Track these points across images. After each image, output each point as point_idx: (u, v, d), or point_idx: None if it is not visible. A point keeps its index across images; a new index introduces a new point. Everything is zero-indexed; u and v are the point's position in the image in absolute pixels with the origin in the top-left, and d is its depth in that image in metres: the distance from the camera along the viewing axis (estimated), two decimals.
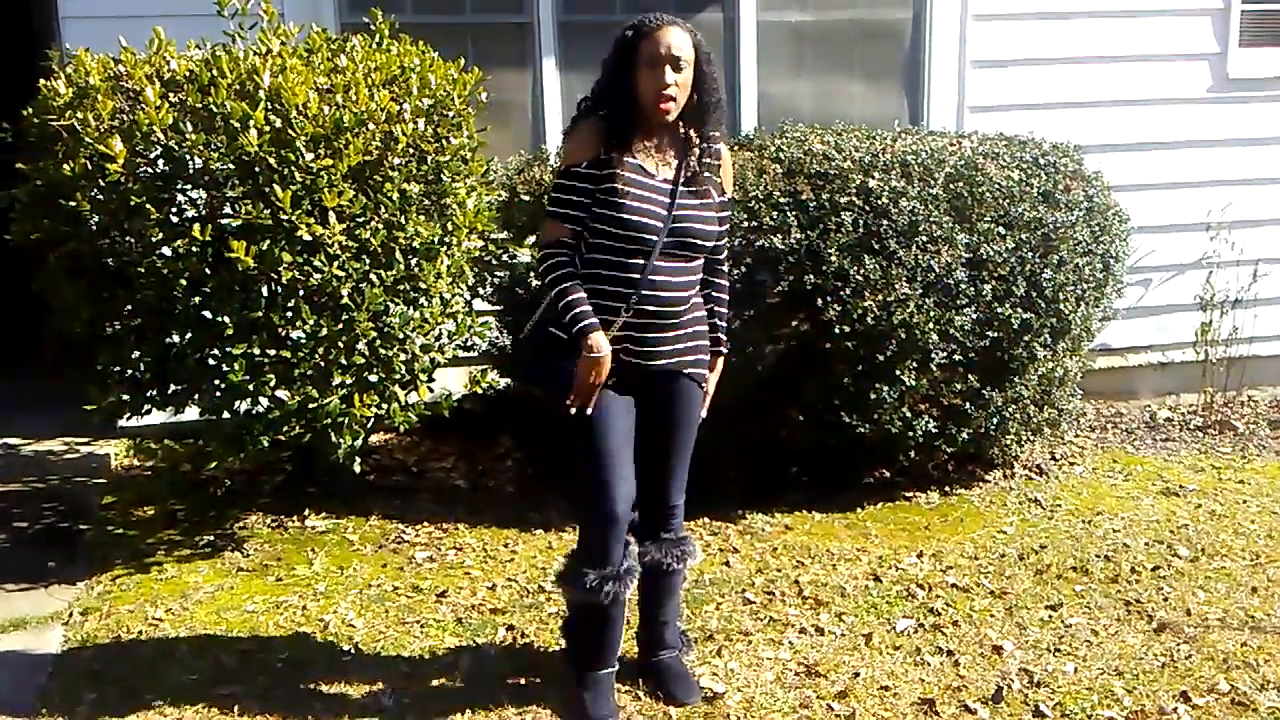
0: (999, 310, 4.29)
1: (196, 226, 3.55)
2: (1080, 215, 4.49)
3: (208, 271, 3.63)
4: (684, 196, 2.92)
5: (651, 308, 2.92)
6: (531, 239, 4.17)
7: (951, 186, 4.30)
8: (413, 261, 3.82)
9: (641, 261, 2.87)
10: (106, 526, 4.28)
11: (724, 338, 3.19)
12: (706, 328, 3.10)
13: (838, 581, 3.85)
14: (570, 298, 2.86)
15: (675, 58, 2.84)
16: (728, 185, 3.11)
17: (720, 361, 3.19)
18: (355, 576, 3.88)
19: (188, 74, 3.70)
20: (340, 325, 3.68)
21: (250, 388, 3.65)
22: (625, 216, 2.85)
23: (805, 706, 3.12)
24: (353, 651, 3.39)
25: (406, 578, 3.87)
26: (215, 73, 3.62)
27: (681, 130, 2.97)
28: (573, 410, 2.88)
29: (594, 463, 2.92)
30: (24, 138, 3.84)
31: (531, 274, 4.26)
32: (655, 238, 2.87)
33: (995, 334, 4.32)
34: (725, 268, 3.18)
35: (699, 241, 2.96)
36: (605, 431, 2.92)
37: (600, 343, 2.85)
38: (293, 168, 3.56)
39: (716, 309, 3.14)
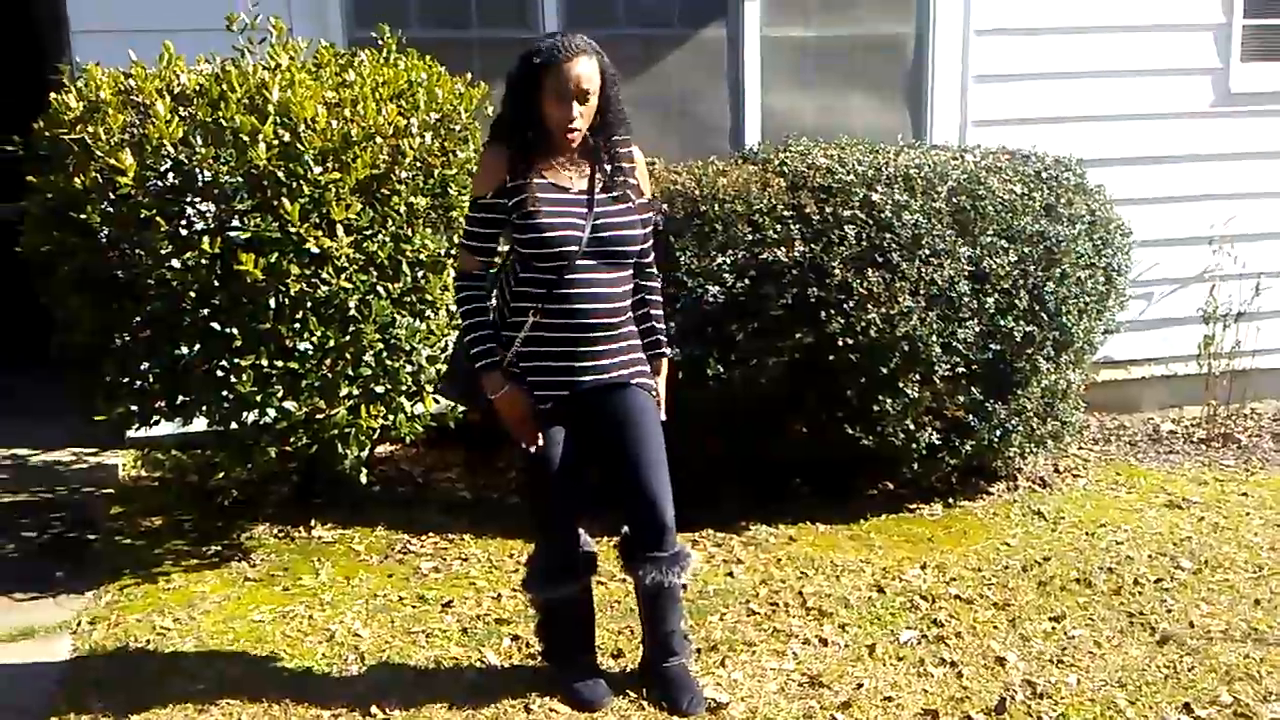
0: (1002, 323, 4.31)
1: (205, 239, 3.58)
2: (1083, 229, 4.51)
3: (216, 284, 3.66)
4: (602, 204, 2.95)
5: (587, 320, 2.94)
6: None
7: (954, 200, 4.33)
8: (419, 274, 3.85)
9: (555, 277, 2.91)
10: (114, 537, 4.31)
11: (664, 339, 3.20)
12: (640, 339, 3.11)
13: (841, 593, 3.86)
14: (474, 335, 2.97)
15: (584, 91, 2.86)
16: (645, 186, 3.13)
17: (665, 364, 3.20)
18: (361, 586, 3.90)
19: (197, 88, 3.74)
20: (347, 337, 3.71)
21: (258, 399, 3.68)
22: (544, 235, 2.89)
23: (809, 717, 3.13)
24: (358, 661, 3.41)
25: (412, 588, 3.89)
26: (225, 87, 3.65)
27: (589, 142, 2.98)
28: (530, 449, 2.98)
29: (539, 493, 3.09)
30: (35, 151, 3.88)
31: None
32: (575, 248, 2.90)
33: (998, 346, 4.34)
34: (655, 269, 3.19)
35: (625, 247, 2.99)
36: (547, 462, 2.99)
37: (495, 381, 2.95)
38: (301, 181, 3.60)
39: (652, 311, 3.16)
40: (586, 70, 2.85)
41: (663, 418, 3.12)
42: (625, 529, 3.15)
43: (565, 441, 3.00)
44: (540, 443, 2.97)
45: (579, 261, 2.91)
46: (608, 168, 2.98)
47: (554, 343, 2.96)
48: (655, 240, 3.21)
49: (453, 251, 3.94)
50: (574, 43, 2.86)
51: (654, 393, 3.11)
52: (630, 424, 3.03)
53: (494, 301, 3.06)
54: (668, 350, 3.21)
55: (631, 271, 3.05)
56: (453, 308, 4.01)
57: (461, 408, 3.31)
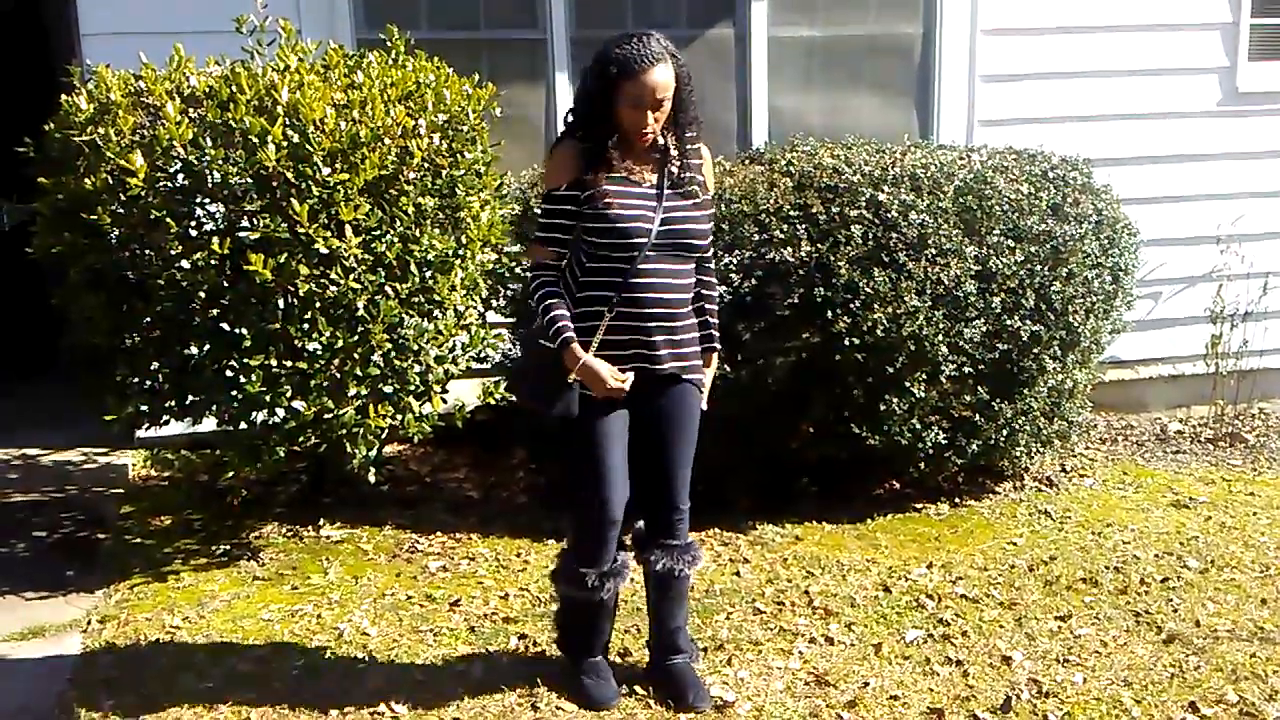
0: (1008, 322, 4.32)
1: (215, 240, 3.61)
2: (1089, 228, 4.51)
3: (226, 284, 3.68)
4: (671, 199, 2.99)
5: (654, 309, 2.98)
6: (526, 264, 4.20)
7: (961, 200, 4.34)
8: (427, 274, 3.87)
9: (627, 266, 2.94)
10: (124, 536, 4.33)
11: (716, 334, 3.23)
12: (698, 330, 3.15)
13: (847, 592, 3.87)
14: (553, 314, 2.96)
15: (660, 100, 2.90)
16: (710, 184, 3.16)
17: (714, 358, 3.25)
18: (369, 585, 3.92)
19: (207, 90, 3.76)
20: (356, 337, 3.72)
21: (267, 398, 3.70)
22: (615, 225, 2.93)
23: (815, 715, 3.14)
24: (367, 659, 3.42)
25: (420, 587, 3.91)
26: (234, 89, 3.67)
27: (661, 139, 3.02)
28: (622, 386, 2.94)
29: (592, 472, 3.01)
30: (46, 153, 3.90)
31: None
32: (645, 239, 2.94)
33: (1005, 346, 4.35)
34: (712, 265, 3.25)
35: (693, 241, 3.03)
36: (603, 440, 3.00)
37: (574, 355, 2.94)
38: (310, 182, 3.61)
39: (707, 305, 3.20)
40: (663, 78, 2.88)
41: (704, 407, 3.17)
42: (639, 523, 3.21)
43: (623, 432, 3.03)
44: (626, 385, 2.95)
45: (648, 254, 2.94)
46: (677, 164, 3.03)
47: (621, 331, 2.98)
48: None
49: (460, 252, 3.96)
50: (651, 51, 2.87)
51: (701, 387, 3.16)
52: (674, 421, 3.10)
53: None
54: (718, 345, 3.25)
55: (694, 266, 3.09)
56: (460, 308, 4.04)
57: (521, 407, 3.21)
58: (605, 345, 2.98)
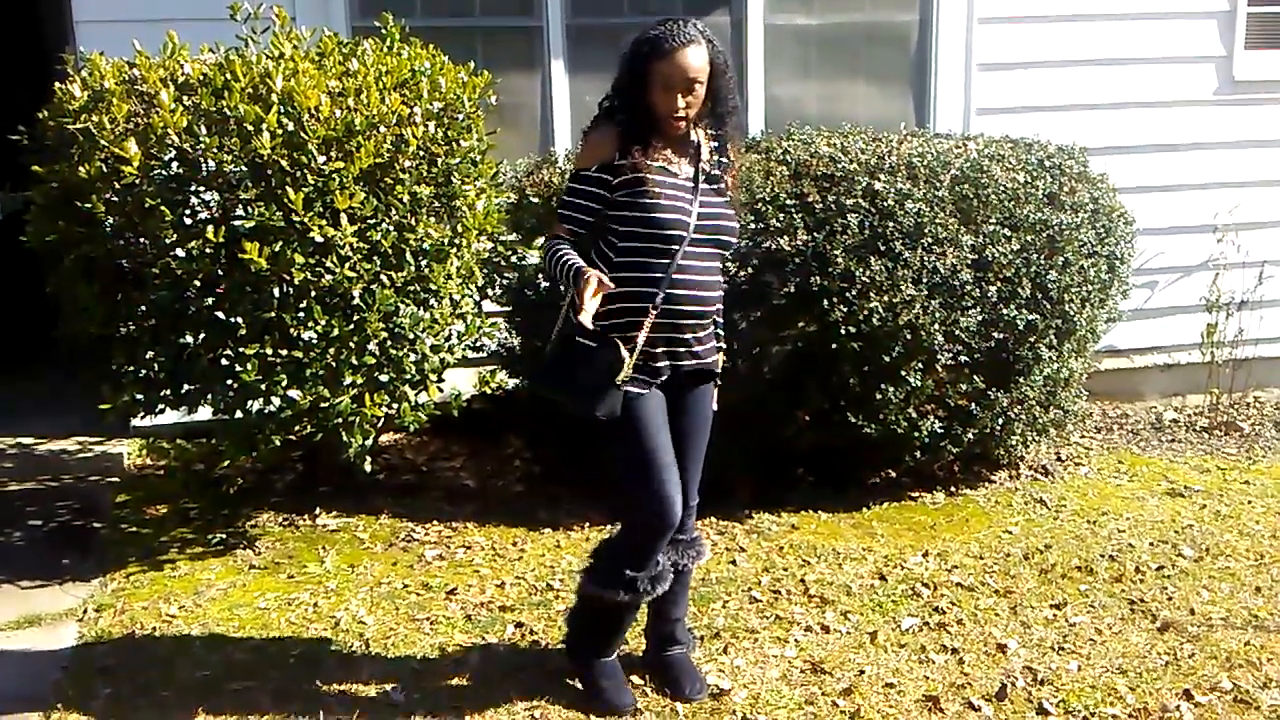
0: (1004, 311, 4.32)
1: (210, 228, 3.59)
2: (1086, 217, 4.51)
3: (221, 273, 3.67)
4: (706, 193, 2.95)
5: (688, 306, 2.93)
6: (540, 241, 4.21)
7: (957, 188, 4.33)
8: (423, 263, 3.86)
9: (668, 261, 2.87)
10: (120, 525, 4.33)
11: (723, 333, 3.20)
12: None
13: (843, 580, 3.88)
14: (564, 259, 2.83)
15: (691, 80, 2.83)
16: (736, 187, 3.14)
17: (721, 356, 3.21)
18: (366, 574, 3.92)
19: (201, 78, 3.74)
20: (351, 326, 3.72)
21: (262, 387, 3.69)
22: (656, 215, 2.86)
23: (811, 703, 3.15)
24: (363, 648, 3.43)
25: (416, 575, 3.91)
26: (229, 76, 3.66)
27: (694, 131, 2.98)
28: (579, 309, 2.72)
29: (644, 467, 2.91)
30: (40, 141, 3.89)
31: (540, 275, 4.30)
32: (684, 233, 2.88)
33: (1000, 335, 4.35)
34: (728, 267, 3.22)
35: (727, 237, 3.00)
36: (654, 433, 2.92)
37: (583, 273, 2.76)
38: (305, 170, 3.60)
39: (721, 305, 3.17)
40: (696, 60, 2.82)
41: (714, 407, 3.15)
42: None
43: (662, 414, 2.95)
44: (588, 307, 2.73)
45: (686, 248, 2.88)
46: (713, 157, 2.98)
47: (658, 328, 2.90)
48: None
49: (455, 241, 3.95)
50: (685, 31, 2.82)
51: (717, 385, 3.14)
52: (697, 418, 3.07)
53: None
54: (723, 345, 3.21)
55: (722, 263, 3.06)
56: (456, 297, 4.03)
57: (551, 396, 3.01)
58: (618, 330, 2.88)
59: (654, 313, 2.87)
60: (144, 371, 3.89)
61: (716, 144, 3.01)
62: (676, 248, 2.87)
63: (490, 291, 4.42)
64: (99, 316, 3.82)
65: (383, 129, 3.73)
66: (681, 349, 2.98)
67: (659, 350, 2.94)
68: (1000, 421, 4.48)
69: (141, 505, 4.50)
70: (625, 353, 2.80)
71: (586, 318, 2.72)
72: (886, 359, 4.19)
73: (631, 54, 2.88)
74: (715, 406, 3.16)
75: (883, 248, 4.18)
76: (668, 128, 2.90)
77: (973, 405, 4.39)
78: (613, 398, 2.84)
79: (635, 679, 3.22)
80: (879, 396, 4.23)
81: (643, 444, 2.91)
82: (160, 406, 3.98)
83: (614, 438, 2.92)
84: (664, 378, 2.96)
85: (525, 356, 4.56)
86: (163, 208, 3.60)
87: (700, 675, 3.22)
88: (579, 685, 3.16)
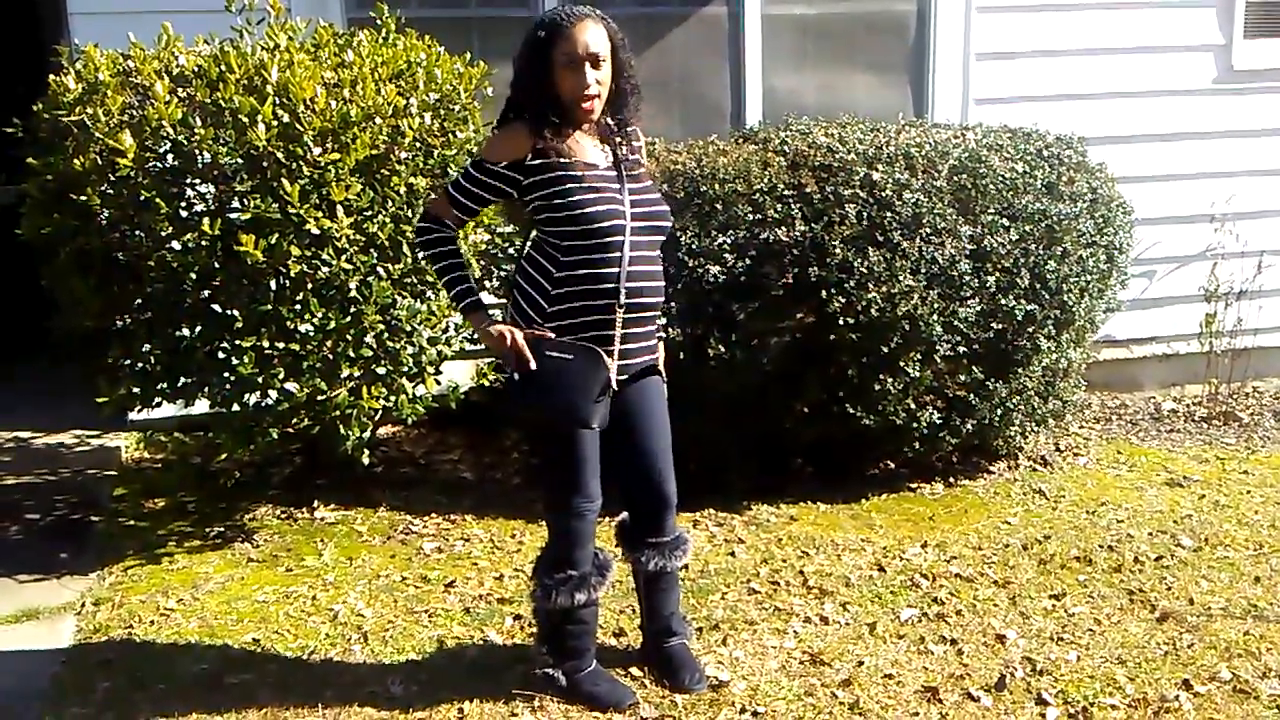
0: (1003, 302, 4.31)
1: (206, 221, 3.58)
2: (1084, 207, 4.50)
3: (217, 265, 3.66)
4: (630, 180, 2.88)
5: (648, 299, 2.88)
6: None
7: (955, 179, 4.32)
8: (420, 255, 3.84)
9: (619, 254, 2.81)
10: (118, 518, 4.32)
11: (663, 320, 3.12)
12: None
13: (842, 571, 3.87)
14: (453, 275, 2.85)
15: (594, 54, 2.77)
16: (648, 167, 3.08)
17: (662, 346, 3.11)
18: (364, 567, 3.92)
19: (196, 69, 3.73)
20: (348, 318, 3.71)
21: (259, 380, 3.68)
22: (589, 210, 2.78)
23: (810, 694, 3.15)
24: (362, 641, 3.42)
25: (414, 568, 3.91)
26: (224, 68, 3.65)
27: (605, 122, 2.91)
28: (515, 375, 2.76)
29: (566, 469, 2.88)
30: (34, 133, 3.87)
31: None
32: (622, 222, 2.81)
33: (999, 326, 4.34)
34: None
35: (663, 222, 2.94)
36: (579, 436, 2.86)
37: (482, 319, 2.82)
38: (301, 162, 3.59)
39: None
40: (595, 36, 2.77)
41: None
42: (624, 514, 3.15)
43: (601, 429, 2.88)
44: (531, 364, 2.76)
45: (631, 238, 2.80)
46: (624, 147, 2.91)
47: (604, 326, 2.82)
48: None
49: None
50: (579, 10, 2.80)
51: (663, 376, 3.08)
52: (649, 413, 2.99)
53: (521, 299, 2.88)
54: (664, 334, 3.15)
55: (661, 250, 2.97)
56: None
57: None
58: (578, 336, 2.81)
59: (621, 310, 2.81)
60: (140, 365, 3.88)
61: (620, 128, 2.91)
62: (620, 238, 2.80)
63: (487, 283, 4.41)
64: (95, 310, 3.81)
65: (379, 120, 3.72)
66: (631, 345, 2.89)
67: (630, 348, 2.88)
68: (999, 412, 4.48)
69: (139, 499, 4.49)
70: (610, 360, 2.78)
71: (533, 364, 2.73)
72: (885, 350, 4.19)
73: (529, 43, 2.81)
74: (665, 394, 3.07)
75: (881, 238, 4.17)
76: (579, 113, 2.81)
77: (971, 396, 4.39)
78: (604, 406, 2.82)
79: (634, 670, 3.22)
80: (877, 387, 4.23)
81: (569, 447, 2.85)
82: (157, 400, 3.97)
83: (544, 439, 2.88)
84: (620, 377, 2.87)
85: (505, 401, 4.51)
86: (158, 200, 3.59)
87: (699, 666, 3.21)
88: (578, 702, 3.05)
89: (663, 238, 2.96)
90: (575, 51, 2.76)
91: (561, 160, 2.80)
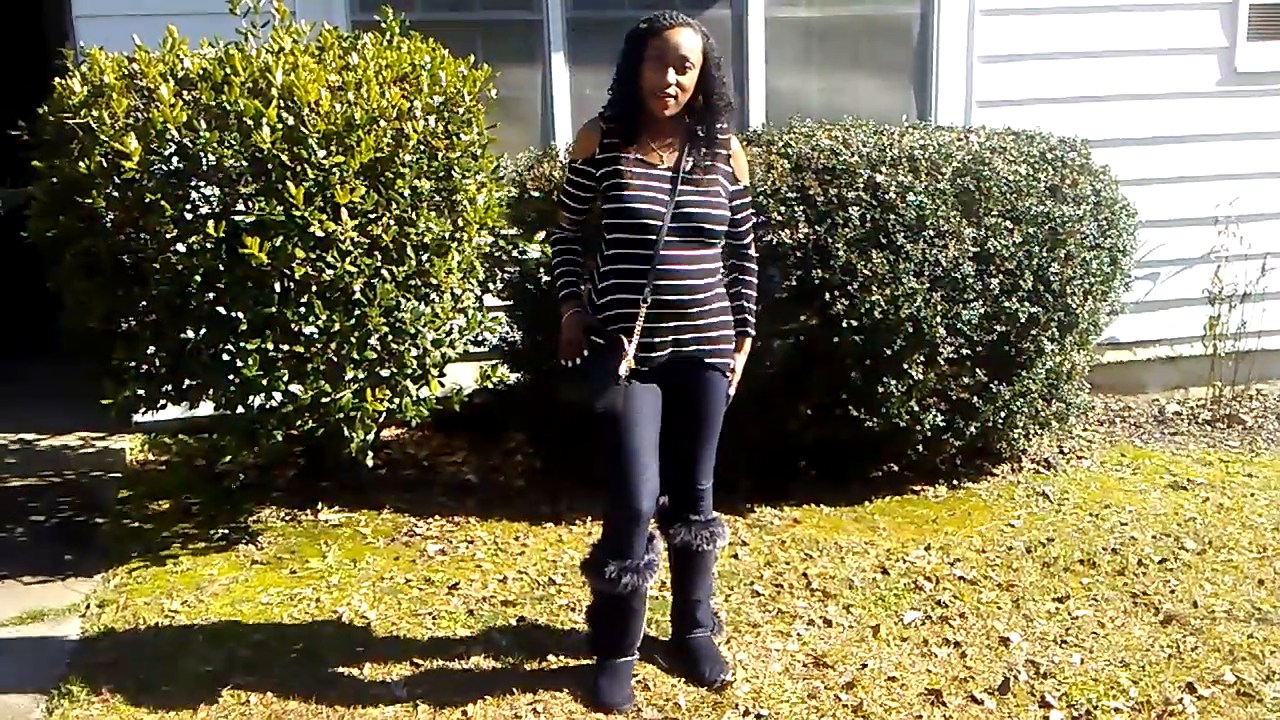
0: (1006, 304, 4.31)
1: (210, 223, 3.59)
2: (1088, 209, 4.50)
3: (222, 268, 3.66)
4: (685, 184, 3.00)
5: (674, 296, 2.99)
6: (541, 235, 4.22)
7: (959, 181, 4.32)
8: (424, 257, 3.85)
9: (650, 252, 2.95)
10: (122, 520, 4.33)
11: (751, 319, 3.24)
12: (731, 316, 3.15)
13: (846, 574, 3.87)
14: (561, 269, 3.14)
15: (681, 58, 2.92)
16: (742, 175, 3.17)
17: (746, 343, 3.25)
18: (368, 569, 3.92)
19: (201, 72, 3.73)
20: (352, 320, 3.71)
21: (264, 382, 3.69)
22: (630, 205, 2.96)
23: (813, 697, 3.15)
24: (366, 643, 3.43)
25: (418, 570, 3.91)
26: (228, 71, 3.65)
27: (688, 127, 3.04)
28: (564, 362, 3.01)
29: (619, 458, 3.00)
30: (40, 136, 3.88)
31: (541, 269, 4.30)
32: (659, 223, 2.96)
33: (1002, 328, 4.34)
34: (752, 254, 3.24)
35: (707, 226, 3.02)
36: (631, 427, 2.99)
37: (569, 306, 3.07)
38: (305, 165, 3.60)
39: (743, 291, 3.21)
40: (687, 41, 2.93)
41: (731, 393, 3.19)
42: (664, 499, 3.20)
43: (651, 408, 3.03)
44: (577, 358, 3.00)
45: (667, 238, 2.96)
46: (701, 149, 3.03)
47: (650, 318, 2.99)
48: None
49: (456, 235, 3.95)
50: (680, 16, 2.97)
51: (729, 371, 3.17)
52: (697, 404, 3.11)
53: (584, 286, 3.15)
54: (751, 330, 3.24)
55: (718, 251, 3.10)
56: (457, 291, 4.03)
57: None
58: (625, 327, 2.99)
59: (645, 305, 2.96)
60: (145, 367, 3.89)
61: (706, 138, 3.03)
62: (654, 238, 2.96)
63: (491, 285, 4.41)
64: (100, 312, 3.82)
65: (383, 123, 3.72)
66: (666, 336, 3.02)
67: (655, 340, 3.02)
68: (1002, 414, 4.47)
69: (144, 501, 4.50)
70: (629, 347, 2.94)
71: (570, 352, 2.99)
72: (888, 352, 4.19)
73: (629, 37, 3.01)
74: (733, 392, 3.19)
75: (884, 240, 4.17)
76: (655, 107, 2.96)
77: (975, 398, 4.39)
78: (612, 393, 2.94)
79: (659, 659, 3.26)
80: (881, 390, 4.23)
81: (622, 436, 2.99)
82: (162, 402, 3.98)
83: (603, 428, 3.01)
84: (659, 364, 3.02)
85: (527, 351, 4.55)
86: (163, 203, 3.60)
87: (721, 659, 3.25)
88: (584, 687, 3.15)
89: (708, 240, 3.04)
90: (665, 49, 2.93)
91: (619, 156, 3.00)
